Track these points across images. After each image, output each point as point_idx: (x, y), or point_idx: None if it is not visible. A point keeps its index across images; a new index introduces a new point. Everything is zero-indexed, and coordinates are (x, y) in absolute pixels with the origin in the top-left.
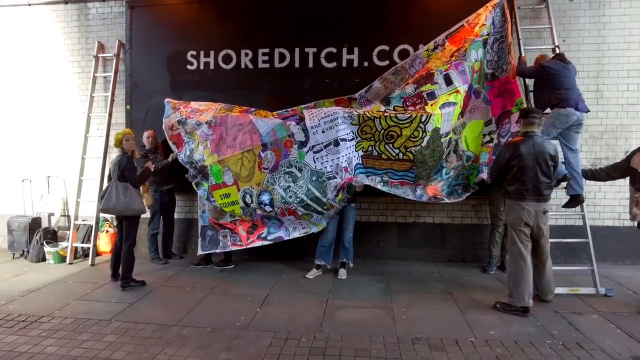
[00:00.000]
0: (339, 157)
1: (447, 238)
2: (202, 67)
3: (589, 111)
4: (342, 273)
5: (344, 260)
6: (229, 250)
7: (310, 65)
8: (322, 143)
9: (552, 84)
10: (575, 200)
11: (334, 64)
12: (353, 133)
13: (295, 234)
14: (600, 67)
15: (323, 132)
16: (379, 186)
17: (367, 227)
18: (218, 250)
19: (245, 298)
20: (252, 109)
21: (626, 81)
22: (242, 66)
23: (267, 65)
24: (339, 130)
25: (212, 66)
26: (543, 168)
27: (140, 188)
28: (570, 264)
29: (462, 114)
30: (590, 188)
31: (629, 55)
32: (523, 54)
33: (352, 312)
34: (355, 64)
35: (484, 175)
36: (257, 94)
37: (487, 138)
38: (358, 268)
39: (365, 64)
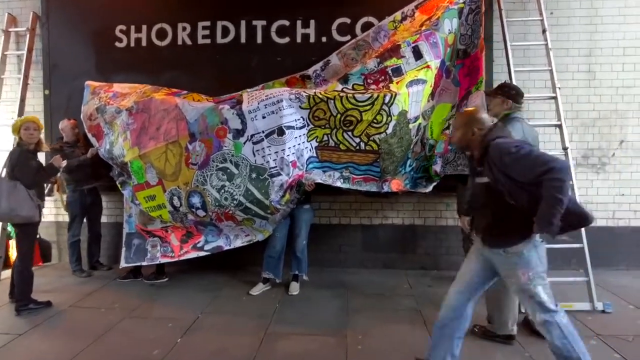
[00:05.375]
0: (284, 149)
1: (419, 242)
2: (132, 44)
3: None
4: (294, 287)
5: (296, 272)
6: (157, 262)
7: (259, 40)
8: (263, 132)
9: None
10: None
11: (286, 40)
12: (303, 119)
13: (238, 243)
14: (592, 44)
15: (264, 117)
16: (338, 183)
17: (327, 230)
18: (145, 263)
19: (167, 323)
20: (184, 92)
21: (622, 60)
22: (179, 42)
23: (208, 41)
24: (283, 115)
25: (144, 43)
26: None
27: (54, 188)
28: (558, 270)
29: (432, 95)
30: (581, 184)
31: (624, 31)
32: (505, 26)
33: (296, 342)
34: (312, 39)
35: (438, 167)
36: (196, 74)
37: (446, 124)
38: (315, 279)
39: (324, 39)
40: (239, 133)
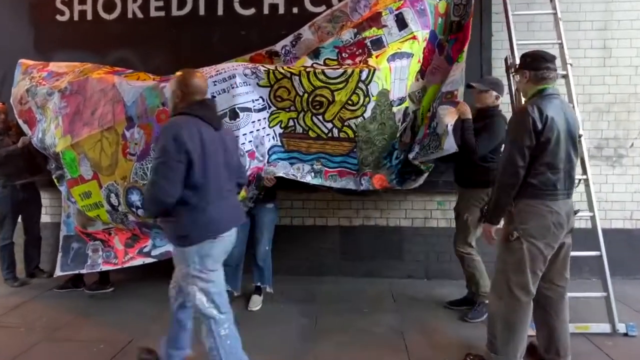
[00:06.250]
0: (237, 137)
1: (406, 246)
2: (76, 17)
3: None
4: (255, 302)
5: (258, 284)
6: (99, 270)
7: (220, 12)
8: None
9: None
10: None
11: (252, 11)
12: (263, 100)
13: None
14: (607, 16)
15: (213, 97)
16: (308, 178)
17: (300, 233)
18: (84, 271)
19: (93, 347)
20: (129, 71)
21: None
22: (129, 15)
23: (161, 14)
24: (236, 94)
25: (89, 16)
26: (575, 144)
27: None
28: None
29: (421, 73)
30: (594, 179)
31: None
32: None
33: None
34: (281, 10)
35: (412, 154)
36: (149, 51)
37: (430, 107)
38: (284, 290)
39: (295, 10)
40: None
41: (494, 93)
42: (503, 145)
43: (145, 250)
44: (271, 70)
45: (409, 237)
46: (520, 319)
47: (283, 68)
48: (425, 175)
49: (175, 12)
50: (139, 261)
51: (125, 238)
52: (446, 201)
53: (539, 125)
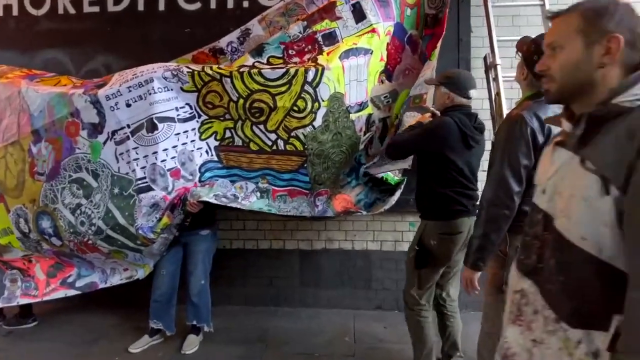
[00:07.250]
0: (156, 153)
1: (374, 273)
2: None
3: None
4: (190, 344)
5: (194, 322)
6: (16, 303)
7: (161, 7)
8: (129, 126)
9: None
10: None
11: (197, 5)
12: (190, 107)
13: (115, 280)
14: None
15: (128, 105)
16: (253, 198)
17: (254, 258)
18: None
19: None
20: (49, 74)
21: None
22: (60, 11)
23: (96, 9)
24: (155, 101)
25: (15, 11)
26: None
27: None
28: None
29: (388, 74)
30: None
31: None
32: None
33: None
34: (230, 4)
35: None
36: (82, 51)
37: (401, 112)
38: (230, 325)
39: (245, 4)
40: (95, 129)
41: (444, 89)
42: (455, 161)
43: (70, 280)
44: (196, 72)
45: (378, 263)
46: None
47: (211, 69)
48: (398, 194)
49: (111, 8)
50: (61, 293)
51: (48, 266)
52: (418, 221)
53: (540, 139)
